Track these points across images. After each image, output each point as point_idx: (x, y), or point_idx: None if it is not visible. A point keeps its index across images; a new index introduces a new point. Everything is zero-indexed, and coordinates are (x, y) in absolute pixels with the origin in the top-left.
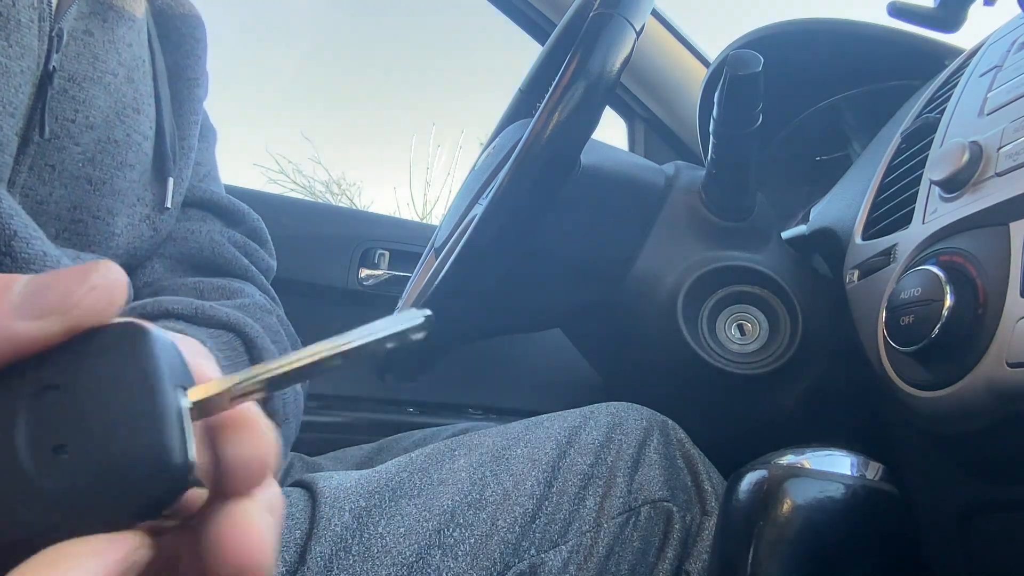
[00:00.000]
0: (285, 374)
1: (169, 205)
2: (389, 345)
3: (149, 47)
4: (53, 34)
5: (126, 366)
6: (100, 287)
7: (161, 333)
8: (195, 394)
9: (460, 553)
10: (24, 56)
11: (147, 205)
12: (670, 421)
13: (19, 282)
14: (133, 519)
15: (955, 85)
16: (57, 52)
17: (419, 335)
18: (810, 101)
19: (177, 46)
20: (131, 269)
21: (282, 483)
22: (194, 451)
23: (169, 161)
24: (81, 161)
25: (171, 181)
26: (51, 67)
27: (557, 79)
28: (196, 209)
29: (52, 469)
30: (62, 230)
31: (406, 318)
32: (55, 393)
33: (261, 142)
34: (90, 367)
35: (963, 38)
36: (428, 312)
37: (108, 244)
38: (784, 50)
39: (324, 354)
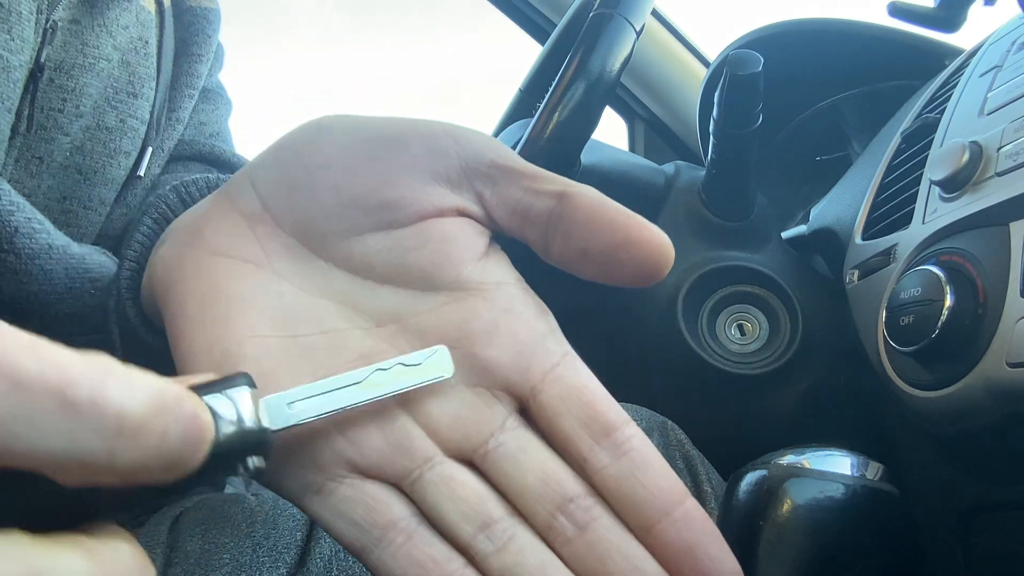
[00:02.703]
0: (331, 412)
1: (142, 174)
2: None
3: (159, 24)
4: (48, 26)
5: None
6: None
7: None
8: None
9: None
10: (23, 50)
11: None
12: (670, 422)
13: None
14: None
15: (955, 85)
16: (49, 45)
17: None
18: (810, 101)
19: (188, 25)
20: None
21: None
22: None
23: (152, 130)
24: (70, 150)
25: (149, 150)
26: (42, 60)
27: (557, 79)
28: (198, 163)
29: None
30: (52, 221)
31: (437, 368)
32: None
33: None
34: None
35: (963, 38)
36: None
37: (100, 232)
38: (784, 50)
39: (370, 400)
